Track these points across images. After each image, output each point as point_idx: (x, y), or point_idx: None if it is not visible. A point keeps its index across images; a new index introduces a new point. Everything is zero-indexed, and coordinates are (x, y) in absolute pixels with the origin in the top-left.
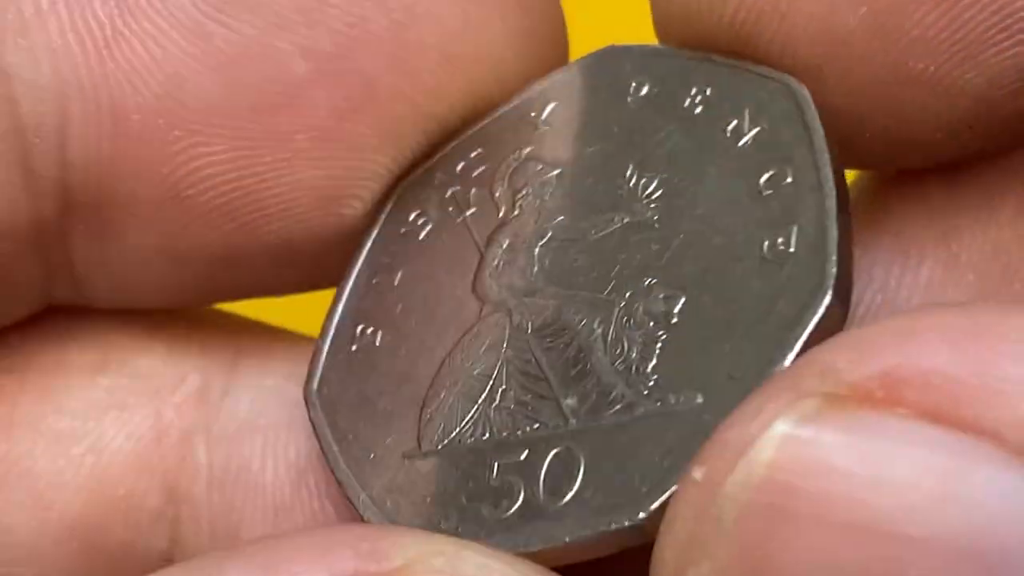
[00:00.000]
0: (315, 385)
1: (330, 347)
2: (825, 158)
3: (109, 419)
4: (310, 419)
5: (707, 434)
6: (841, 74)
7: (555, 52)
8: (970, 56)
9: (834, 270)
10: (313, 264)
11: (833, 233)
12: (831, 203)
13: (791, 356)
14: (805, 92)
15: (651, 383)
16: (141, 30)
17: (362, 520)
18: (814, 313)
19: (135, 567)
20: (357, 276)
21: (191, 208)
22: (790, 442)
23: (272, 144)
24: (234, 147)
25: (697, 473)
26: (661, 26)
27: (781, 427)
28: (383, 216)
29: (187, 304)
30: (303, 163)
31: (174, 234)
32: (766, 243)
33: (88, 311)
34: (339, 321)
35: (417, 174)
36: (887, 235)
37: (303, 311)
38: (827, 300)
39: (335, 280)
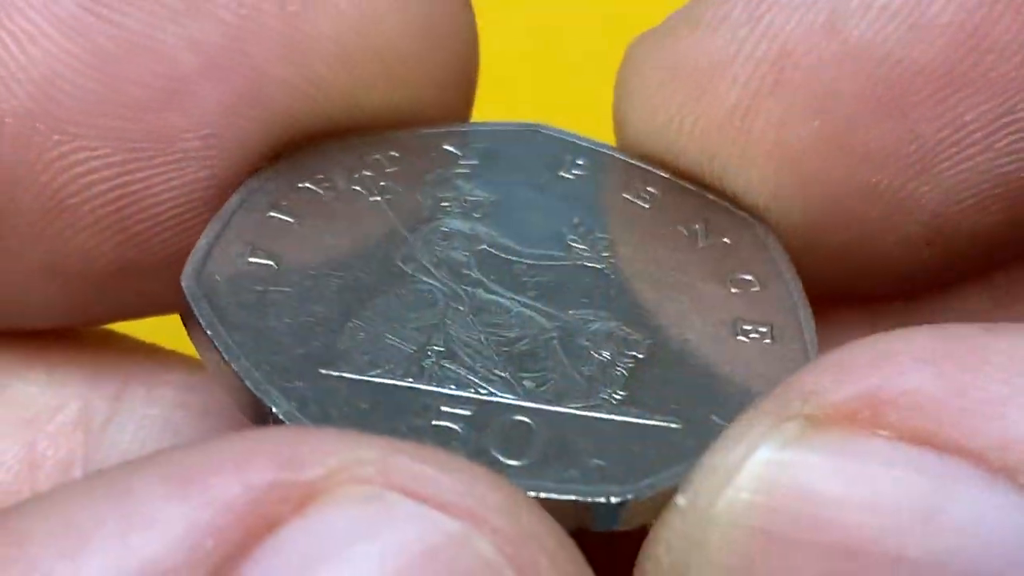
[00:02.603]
0: (195, 275)
1: (215, 247)
2: (795, 276)
3: None
4: (188, 305)
5: (685, 452)
6: (797, 188)
7: (460, 49)
8: (924, 170)
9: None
10: None
11: (810, 333)
12: (807, 311)
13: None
14: (760, 227)
15: (618, 396)
16: (17, 29)
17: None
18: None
19: None
20: (245, 202)
21: (76, 219)
22: (774, 466)
23: (160, 145)
24: (119, 150)
25: (681, 500)
26: (621, 132)
27: (765, 451)
28: (273, 167)
29: (78, 324)
30: (193, 163)
31: (59, 248)
32: (740, 331)
33: None
34: (225, 234)
35: (317, 146)
36: (853, 317)
37: None
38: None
39: None
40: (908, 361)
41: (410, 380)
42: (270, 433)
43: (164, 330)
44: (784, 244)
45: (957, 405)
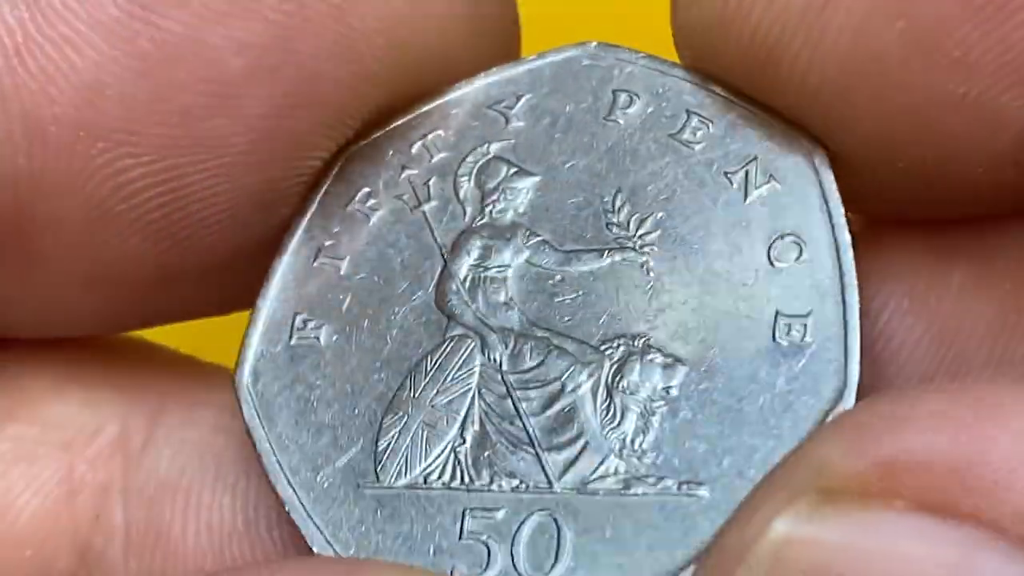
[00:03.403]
0: (246, 377)
1: (264, 334)
2: (845, 238)
3: (16, 473)
4: (242, 418)
5: (708, 531)
6: (873, 96)
7: (506, 39)
8: (1018, 81)
9: (857, 371)
10: (255, 275)
11: (855, 330)
12: (853, 296)
13: None
14: (821, 152)
15: (647, 460)
16: (56, 35)
17: (309, 550)
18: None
19: None
20: (294, 252)
21: (122, 228)
22: (789, 544)
23: (207, 150)
24: (164, 156)
25: None
26: (679, 35)
27: (779, 528)
28: (325, 184)
29: (120, 330)
30: (241, 168)
31: (104, 257)
32: (779, 326)
33: None
34: (275, 303)
35: (364, 144)
36: (917, 236)
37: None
38: (850, 405)
39: None
40: (922, 426)
41: (443, 483)
42: (326, 563)
43: (205, 335)
44: (846, 166)
45: (974, 472)
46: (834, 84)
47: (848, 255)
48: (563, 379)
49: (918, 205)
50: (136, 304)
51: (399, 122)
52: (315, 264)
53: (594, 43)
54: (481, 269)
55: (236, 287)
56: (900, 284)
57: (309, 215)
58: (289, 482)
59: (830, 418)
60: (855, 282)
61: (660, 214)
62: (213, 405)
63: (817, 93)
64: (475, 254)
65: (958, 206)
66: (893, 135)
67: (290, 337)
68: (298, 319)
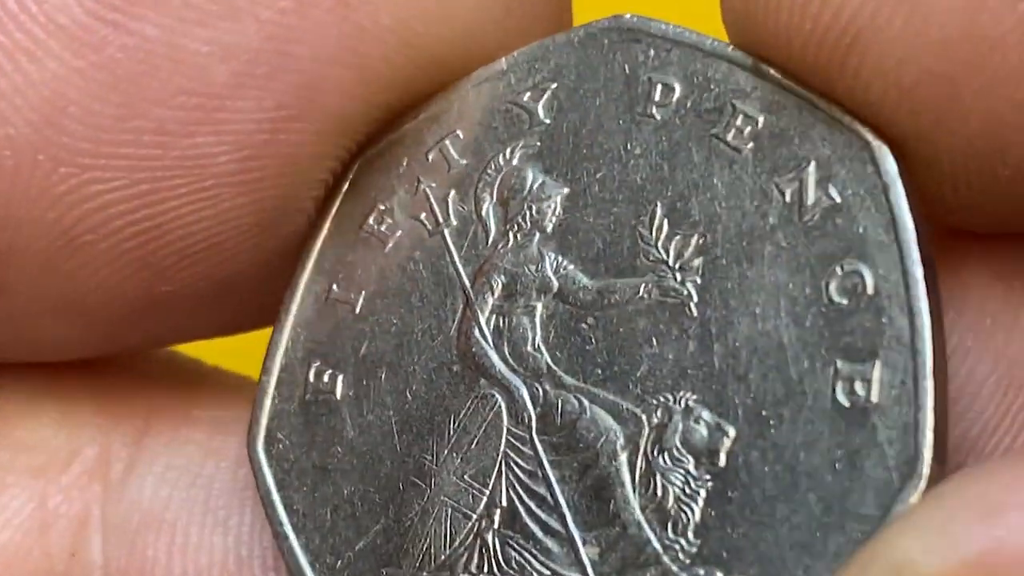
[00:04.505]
0: (260, 441)
1: (278, 388)
2: (916, 262)
3: None
4: (257, 488)
5: None
6: (983, 90)
7: (551, 12)
8: None
9: (930, 443)
10: (253, 298)
11: (928, 389)
12: (924, 343)
13: None
14: (890, 159)
15: (692, 548)
16: (10, 43)
17: None
18: (904, 504)
19: None
20: (307, 288)
21: (93, 257)
22: None
23: (188, 171)
24: (138, 181)
25: None
26: (730, 7)
27: None
28: (337, 200)
29: (102, 354)
30: (230, 190)
31: (75, 287)
32: (840, 382)
33: None
34: (288, 352)
35: (378, 149)
36: (986, 261)
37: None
38: (921, 487)
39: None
40: (1015, 516)
41: (470, 574)
42: None
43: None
44: (932, 174)
45: None
46: (937, 75)
47: (920, 289)
48: (598, 447)
49: (1016, 220)
50: (117, 331)
51: (412, 123)
52: (327, 300)
53: (627, 16)
54: (506, 307)
55: (239, 311)
56: (962, 317)
57: (322, 239)
58: (311, 568)
59: (903, 499)
60: (928, 325)
61: (703, 237)
62: (204, 423)
63: (914, 86)
64: (499, 290)
65: None
66: (1003, 137)
67: (304, 391)
68: (312, 369)
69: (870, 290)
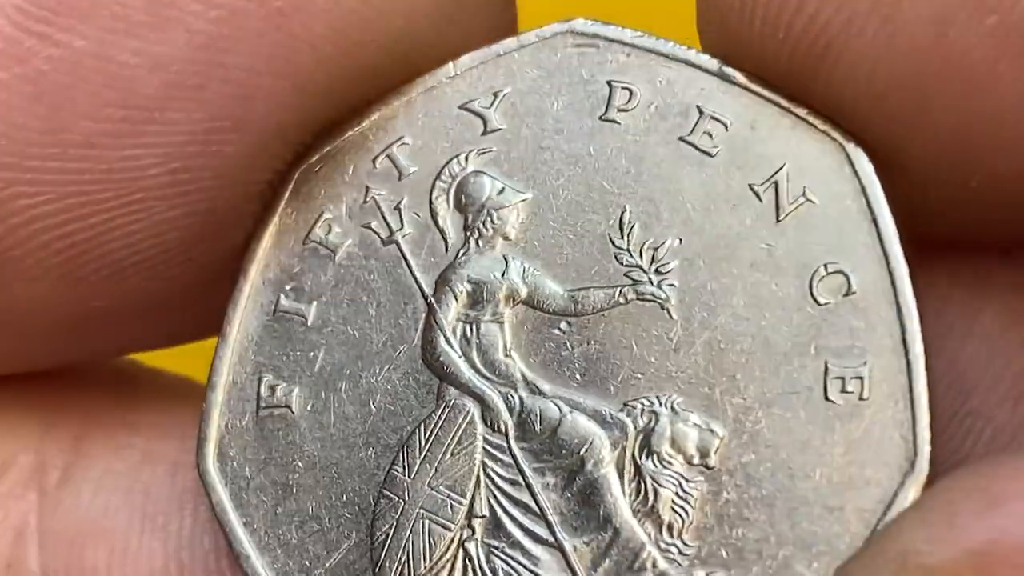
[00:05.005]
0: (211, 459)
1: (227, 404)
2: (901, 261)
3: None
4: (211, 509)
5: None
6: (953, 100)
7: (495, 17)
8: None
9: (927, 438)
10: (191, 311)
11: (922, 385)
12: (915, 339)
13: None
14: (865, 160)
15: (690, 550)
16: None
17: None
18: (904, 499)
19: None
20: (251, 300)
21: (19, 272)
22: None
23: (118, 184)
24: (66, 195)
25: None
26: (706, 14)
27: None
28: (277, 210)
29: (42, 368)
30: (162, 201)
31: (3, 301)
32: (831, 380)
33: None
34: (235, 366)
35: (320, 157)
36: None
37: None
38: (921, 481)
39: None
40: (1018, 507)
41: None
42: None
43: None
44: (904, 181)
45: None
46: (907, 84)
47: (906, 286)
48: (582, 453)
49: (988, 227)
50: (52, 346)
51: (356, 129)
52: (276, 312)
53: (579, 20)
54: (472, 315)
55: (177, 324)
56: (964, 319)
57: (263, 250)
58: None
59: (903, 494)
60: (917, 319)
61: (677, 240)
62: (141, 427)
63: (884, 94)
64: (463, 298)
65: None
66: (971, 145)
67: (257, 406)
68: (263, 383)
69: (856, 289)
